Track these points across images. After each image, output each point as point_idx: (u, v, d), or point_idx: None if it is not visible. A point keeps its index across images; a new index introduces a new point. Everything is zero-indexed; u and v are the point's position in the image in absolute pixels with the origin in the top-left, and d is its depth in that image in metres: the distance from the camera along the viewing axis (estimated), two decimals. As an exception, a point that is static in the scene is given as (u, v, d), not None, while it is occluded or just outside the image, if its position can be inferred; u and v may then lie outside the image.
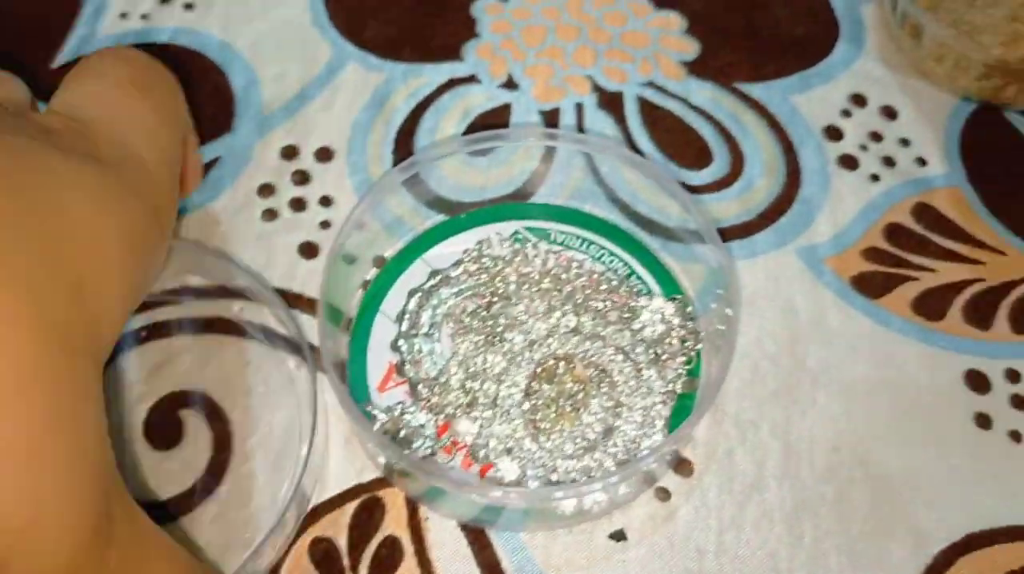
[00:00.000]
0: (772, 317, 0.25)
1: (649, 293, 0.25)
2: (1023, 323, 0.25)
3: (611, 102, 0.29)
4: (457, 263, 0.26)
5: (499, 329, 0.25)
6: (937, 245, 0.27)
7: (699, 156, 0.28)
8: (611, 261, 0.26)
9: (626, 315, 0.25)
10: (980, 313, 0.25)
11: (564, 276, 0.26)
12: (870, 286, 0.26)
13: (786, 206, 0.27)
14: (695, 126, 0.29)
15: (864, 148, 0.28)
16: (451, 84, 0.29)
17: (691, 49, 0.30)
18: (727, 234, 0.27)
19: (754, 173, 0.28)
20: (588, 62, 0.30)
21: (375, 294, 0.26)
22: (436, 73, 0.30)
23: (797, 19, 0.31)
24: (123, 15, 0.31)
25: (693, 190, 0.27)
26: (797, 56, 0.30)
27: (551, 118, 0.29)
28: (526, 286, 0.25)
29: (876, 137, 0.29)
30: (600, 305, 0.25)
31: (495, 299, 0.25)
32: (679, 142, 0.28)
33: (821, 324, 0.25)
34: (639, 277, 0.26)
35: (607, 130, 0.28)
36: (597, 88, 0.29)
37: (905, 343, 0.25)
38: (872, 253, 0.26)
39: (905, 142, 0.29)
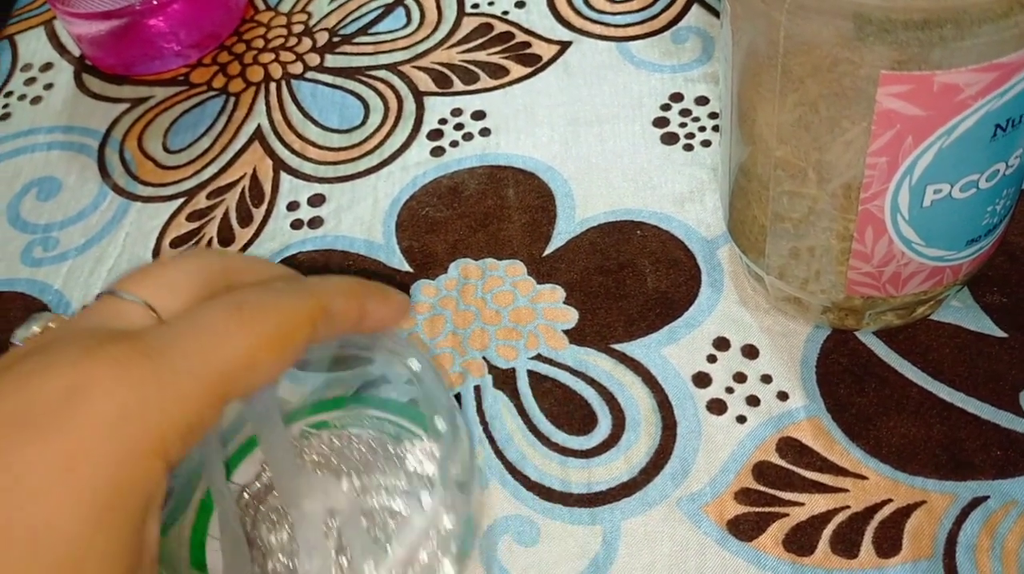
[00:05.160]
0: (662, 572, 0.28)
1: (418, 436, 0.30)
2: (886, 548, 0.28)
3: (505, 380, 0.33)
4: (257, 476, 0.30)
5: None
6: (803, 478, 0.29)
7: (586, 421, 0.32)
8: (381, 424, 0.30)
9: (398, 459, 0.29)
10: (846, 542, 0.28)
11: (347, 451, 0.30)
12: (745, 528, 0.29)
13: (665, 459, 0.30)
14: (580, 392, 0.32)
15: (730, 390, 0.32)
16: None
17: (570, 317, 0.34)
18: (616, 494, 0.30)
19: (634, 430, 0.31)
20: (483, 344, 0.34)
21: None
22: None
23: (662, 273, 0.35)
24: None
25: (583, 455, 0.31)
26: (665, 309, 0.34)
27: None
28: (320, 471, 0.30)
29: (740, 378, 0.32)
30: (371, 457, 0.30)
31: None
32: (567, 410, 0.32)
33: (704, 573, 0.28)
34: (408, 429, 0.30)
35: (503, 407, 0.32)
36: (492, 369, 0.33)
37: (780, 583, 0.27)
38: (744, 494, 0.29)
39: (767, 378, 0.32)
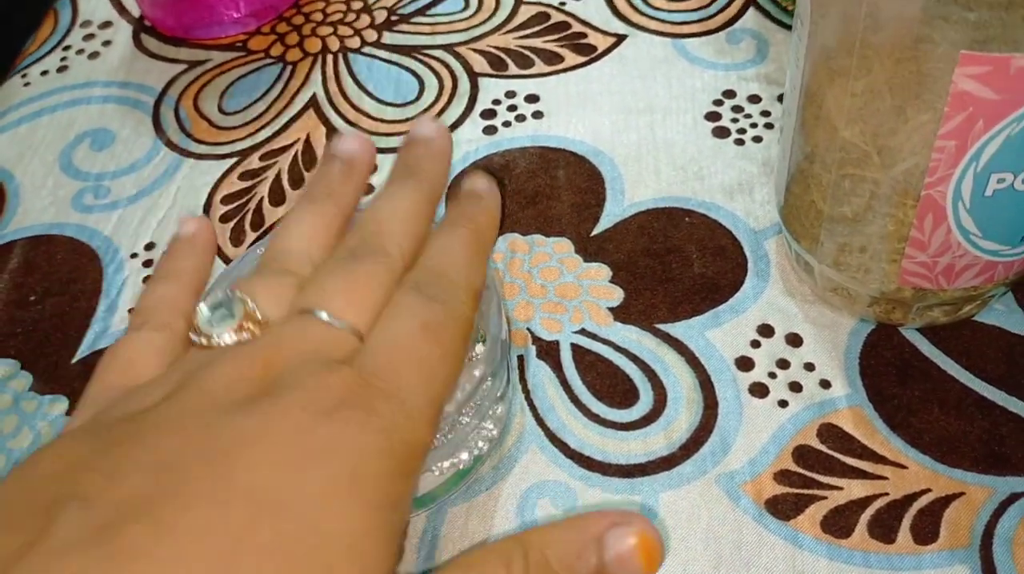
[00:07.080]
0: (696, 545, 0.28)
1: None
2: (924, 536, 0.28)
3: (548, 351, 0.33)
4: None
5: None
6: (843, 463, 0.30)
7: (627, 395, 0.32)
8: None
9: None
10: (884, 527, 0.28)
11: None
12: (783, 508, 0.29)
13: (705, 437, 0.31)
14: (622, 367, 0.33)
15: (772, 375, 0.32)
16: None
17: (616, 296, 0.35)
18: (655, 467, 0.30)
19: (675, 407, 0.31)
20: (528, 316, 0.34)
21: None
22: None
23: (708, 260, 0.35)
24: (131, 310, 0.36)
25: (624, 427, 0.31)
26: (710, 293, 0.34)
27: (496, 370, 0.33)
28: None
29: (783, 364, 0.32)
30: None
31: None
32: (609, 384, 0.32)
33: (740, 548, 0.28)
34: None
35: (545, 377, 0.32)
36: (536, 340, 0.34)
37: (816, 562, 0.27)
38: (783, 475, 0.29)
39: (810, 366, 0.32)
